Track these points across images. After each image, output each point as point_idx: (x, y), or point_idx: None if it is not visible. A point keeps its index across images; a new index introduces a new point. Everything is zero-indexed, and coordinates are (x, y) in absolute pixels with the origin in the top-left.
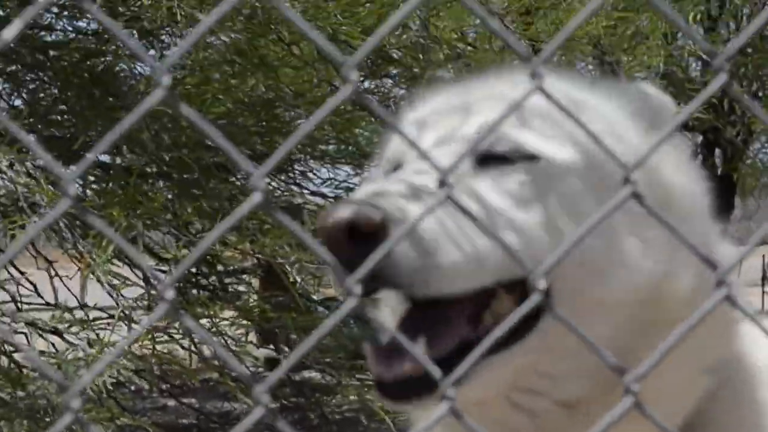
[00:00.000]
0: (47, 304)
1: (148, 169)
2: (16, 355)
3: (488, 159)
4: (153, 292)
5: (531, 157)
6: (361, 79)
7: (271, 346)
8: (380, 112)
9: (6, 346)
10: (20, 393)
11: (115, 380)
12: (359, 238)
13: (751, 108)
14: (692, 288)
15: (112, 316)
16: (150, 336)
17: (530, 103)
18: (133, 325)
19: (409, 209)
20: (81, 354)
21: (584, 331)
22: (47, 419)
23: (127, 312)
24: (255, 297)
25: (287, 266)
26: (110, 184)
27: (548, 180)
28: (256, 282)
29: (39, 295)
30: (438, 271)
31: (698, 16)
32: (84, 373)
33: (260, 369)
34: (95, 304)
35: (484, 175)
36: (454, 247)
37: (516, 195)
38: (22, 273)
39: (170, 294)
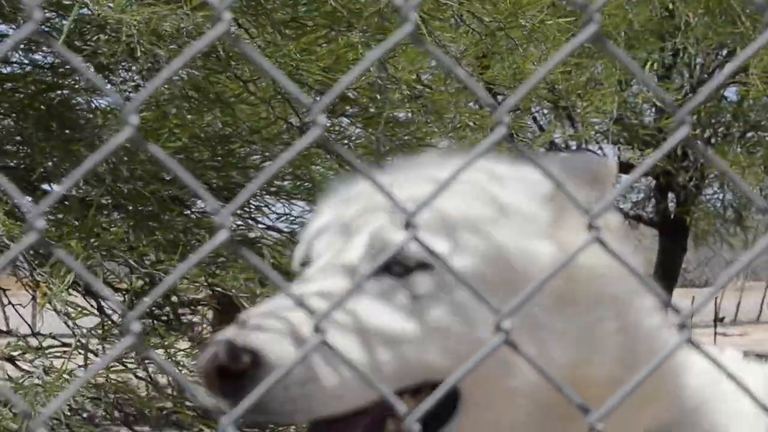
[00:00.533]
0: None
1: (105, 201)
2: None
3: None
4: (108, 321)
5: (425, 266)
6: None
7: None
8: (346, 155)
9: None
10: None
11: (69, 407)
12: (230, 377)
13: (709, 158)
14: (610, 371)
15: (65, 345)
16: (106, 365)
17: (441, 207)
18: (90, 355)
19: (284, 346)
20: (37, 381)
21: (495, 417)
22: None
23: (83, 341)
24: (209, 328)
25: (242, 299)
26: (67, 216)
27: (441, 289)
28: (210, 314)
29: None
30: (319, 396)
31: (653, 65)
32: (44, 400)
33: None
34: (51, 333)
35: (378, 285)
36: (334, 370)
37: (407, 307)
38: None
39: (136, 327)
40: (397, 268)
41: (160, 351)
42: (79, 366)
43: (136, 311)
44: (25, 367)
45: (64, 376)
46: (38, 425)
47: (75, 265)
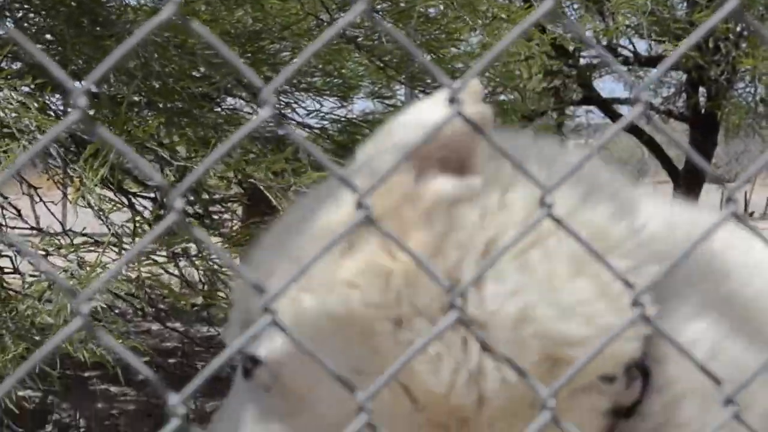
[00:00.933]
0: (32, 228)
1: (136, 98)
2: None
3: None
4: (140, 218)
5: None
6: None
7: None
8: (395, 34)
9: None
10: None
11: (104, 303)
12: None
13: (758, 29)
14: None
15: (97, 242)
16: (137, 260)
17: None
18: (124, 247)
19: None
20: (72, 275)
21: None
22: (37, 338)
23: (118, 234)
24: (239, 224)
25: (273, 193)
26: (99, 112)
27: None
28: (239, 210)
29: (23, 220)
30: None
31: None
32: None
33: None
34: (84, 228)
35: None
36: None
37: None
38: (5, 197)
39: (179, 204)
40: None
41: (192, 246)
42: (113, 260)
43: (179, 188)
44: (59, 263)
45: (98, 269)
46: (82, 302)
47: (117, 143)
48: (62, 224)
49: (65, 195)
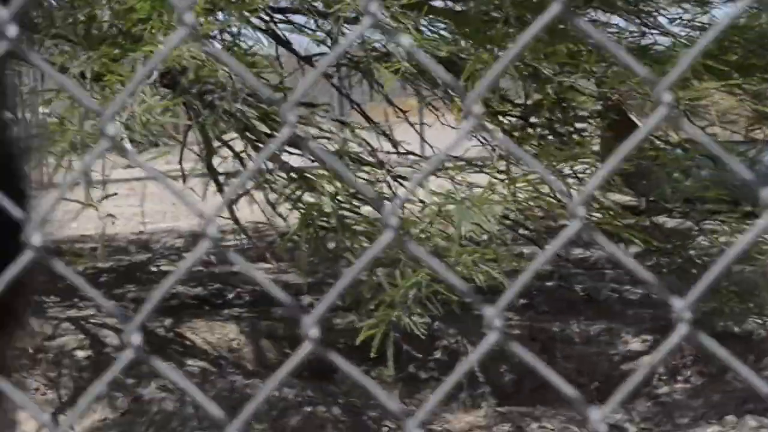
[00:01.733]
0: (407, 153)
1: (496, 14)
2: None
3: None
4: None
5: None
6: None
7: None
8: None
9: None
10: None
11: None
12: None
13: None
14: None
15: (478, 165)
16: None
17: None
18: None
19: None
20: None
21: None
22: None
23: (504, 157)
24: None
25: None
26: (464, 30)
27: None
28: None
29: (399, 145)
30: None
31: None
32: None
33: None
34: (467, 151)
35: None
36: None
37: None
38: (376, 123)
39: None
40: None
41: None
42: (501, 180)
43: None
44: (448, 185)
45: (488, 191)
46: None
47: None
48: (431, 147)
49: (437, 117)
